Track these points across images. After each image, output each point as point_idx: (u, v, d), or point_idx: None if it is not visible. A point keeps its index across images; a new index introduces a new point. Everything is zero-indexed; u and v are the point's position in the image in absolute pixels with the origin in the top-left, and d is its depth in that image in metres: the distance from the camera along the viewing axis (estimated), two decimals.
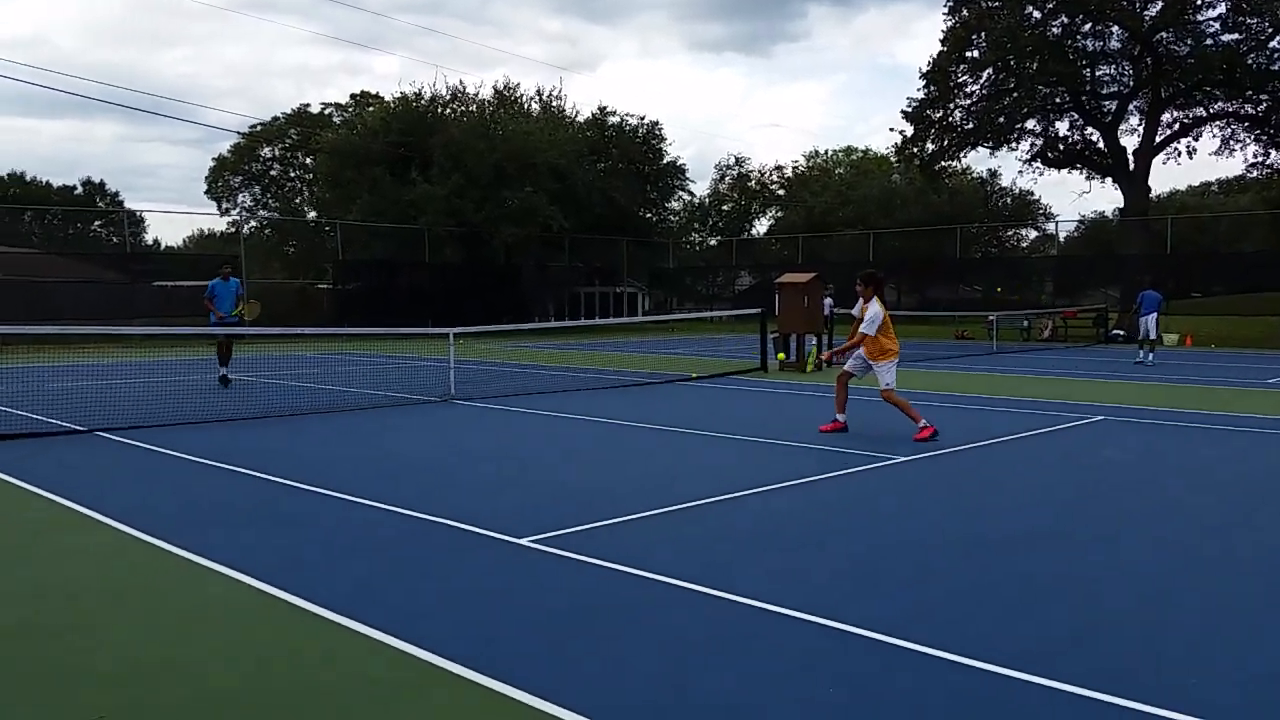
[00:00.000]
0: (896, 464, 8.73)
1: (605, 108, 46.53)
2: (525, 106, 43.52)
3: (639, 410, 12.56)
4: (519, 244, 37.41)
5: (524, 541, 5.98)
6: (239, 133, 55.96)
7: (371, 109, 44.68)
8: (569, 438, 10.55)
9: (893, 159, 45.36)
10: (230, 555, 5.64)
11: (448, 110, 40.38)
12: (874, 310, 10.43)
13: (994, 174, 56.11)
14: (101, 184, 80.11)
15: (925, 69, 36.83)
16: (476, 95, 41.57)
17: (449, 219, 36.32)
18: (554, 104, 44.42)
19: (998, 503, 7.32)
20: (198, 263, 43.97)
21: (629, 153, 45.52)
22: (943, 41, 36.69)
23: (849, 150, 69.61)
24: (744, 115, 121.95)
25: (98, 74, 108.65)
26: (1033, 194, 58.50)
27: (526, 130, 37.83)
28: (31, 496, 7.39)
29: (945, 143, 37.88)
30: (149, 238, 77.46)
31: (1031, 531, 6.36)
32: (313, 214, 52.79)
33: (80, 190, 77.12)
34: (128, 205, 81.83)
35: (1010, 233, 53.77)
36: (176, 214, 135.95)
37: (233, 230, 59.12)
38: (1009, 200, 55.12)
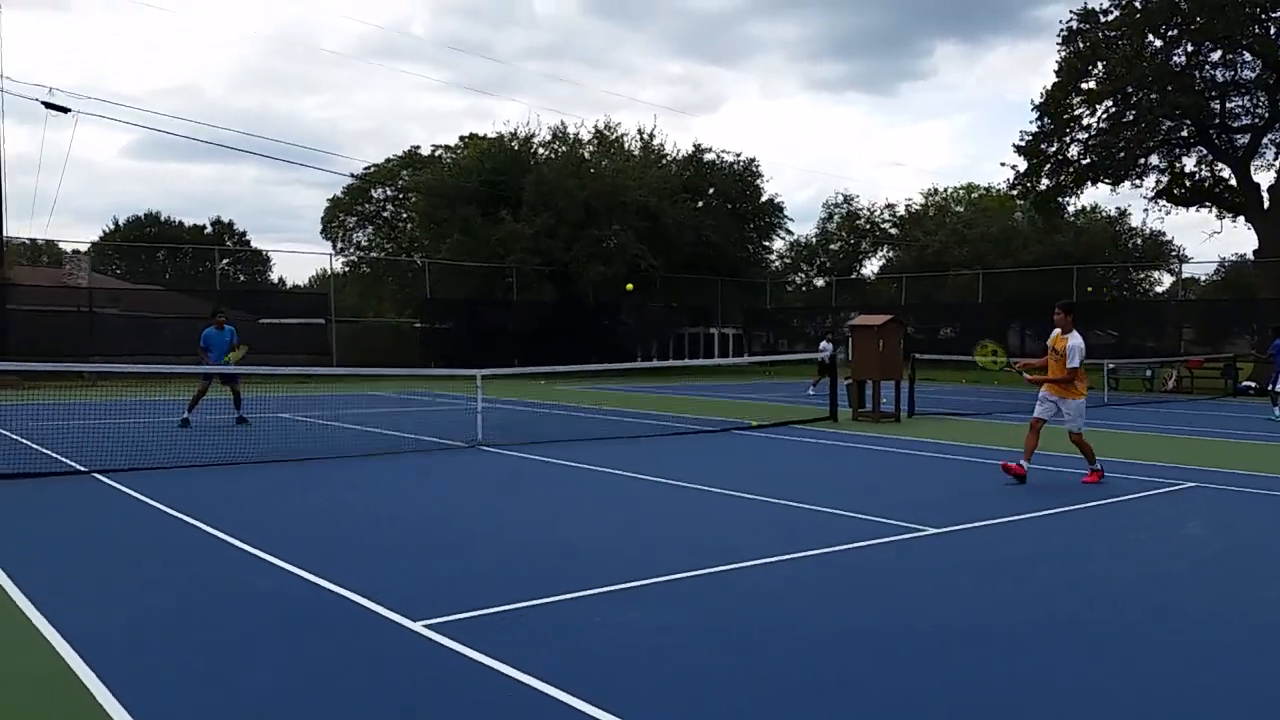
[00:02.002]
0: (920, 538, 7.47)
1: (700, 145, 45.79)
2: (625, 146, 43.19)
3: (669, 462, 11.52)
4: (606, 283, 36.79)
5: (415, 626, 5.05)
6: (352, 175, 57.28)
7: (467, 149, 45.01)
8: (566, 493, 9.60)
9: (1005, 193, 43.15)
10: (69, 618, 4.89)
11: (543, 150, 40.33)
12: (1075, 340, 10.03)
13: (1123, 213, 53.15)
14: (230, 224, 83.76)
15: (1038, 101, 34.88)
16: (575, 135, 41.46)
17: (536, 257, 36.02)
18: (654, 143, 44.02)
19: (994, 591, 6.02)
20: (303, 299, 45.04)
21: (724, 191, 44.61)
22: (1057, 72, 34.74)
23: (970, 188, 67.25)
24: (865, 154, 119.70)
25: (242, 119, 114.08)
26: (1164, 234, 54.96)
27: (617, 168, 37.37)
28: None
29: (1061, 178, 35.70)
30: (274, 276, 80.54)
31: (980, 629, 5.09)
32: (402, 253, 53.44)
33: (210, 230, 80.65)
34: (254, 245, 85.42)
35: (1142, 275, 50.70)
36: (284, 253, 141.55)
37: (345, 270, 60.74)
38: (1139, 241, 51.96)
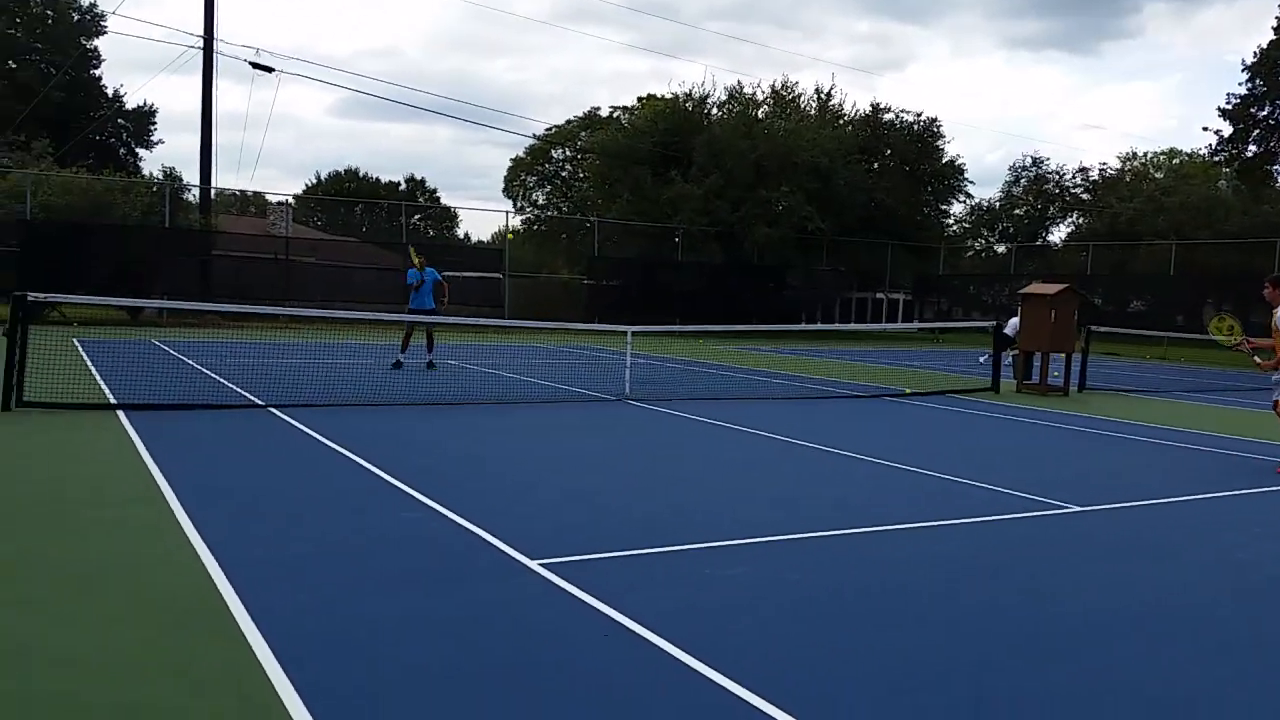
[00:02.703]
0: (1060, 515, 7.24)
1: (879, 104, 44.47)
2: (801, 106, 42.48)
3: (808, 424, 11.49)
4: (772, 245, 36.47)
5: (531, 563, 5.32)
6: (534, 135, 58.67)
7: (643, 110, 45.25)
8: (696, 449, 9.74)
9: (1204, 160, 40.11)
10: (220, 537, 5.41)
11: (718, 110, 40.17)
12: None
13: None
14: (423, 181, 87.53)
15: (1250, 60, 32.26)
16: (753, 95, 41.06)
17: (703, 218, 36.06)
18: (830, 102, 43.11)
19: (1119, 575, 5.77)
20: (481, 254, 46.70)
21: (902, 151, 43.26)
22: (1276, 29, 31.99)
23: (1172, 153, 62.88)
24: (1064, 116, 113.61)
25: (440, 81, 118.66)
26: None
27: (790, 129, 36.84)
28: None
29: (1271, 144, 32.99)
30: (460, 231, 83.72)
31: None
32: (576, 212, 54.29)
33: (404, 186, 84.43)
34: (444, 201, 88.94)
35: None
36: (469, 209, 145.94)
37: (523, 227, 62.43)
38: None
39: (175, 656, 3.95)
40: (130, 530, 5.87)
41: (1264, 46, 32.06)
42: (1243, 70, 32.60)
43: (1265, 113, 32.57)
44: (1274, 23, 32.00)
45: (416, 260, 16.45)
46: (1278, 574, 5.95)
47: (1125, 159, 60.63)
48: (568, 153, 62.36)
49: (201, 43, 31.15)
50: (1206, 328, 12.96)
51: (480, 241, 72.56)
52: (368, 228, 70.18)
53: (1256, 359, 10.62)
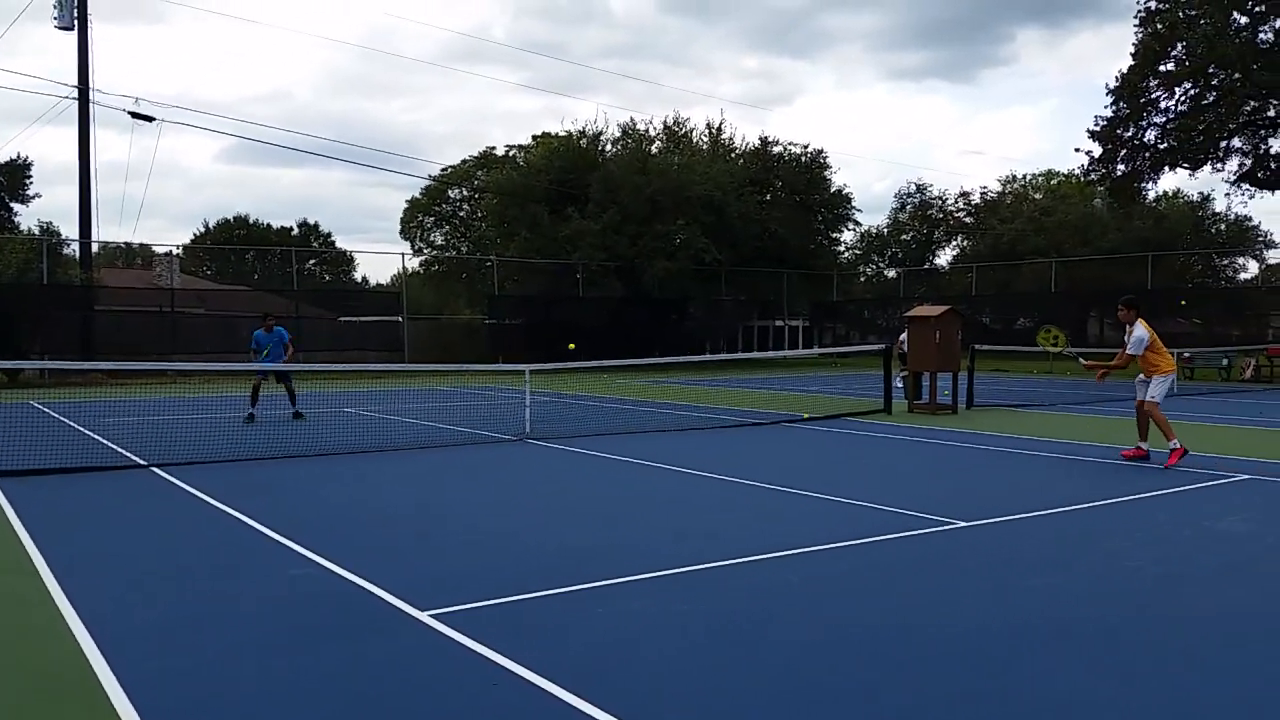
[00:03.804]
0: (947, 531, 7.43)
1: (766, 138, 45.44)
2: (694, 141, 43.15)
3: (707, 455, 11.58)
4: (671, 277, 36.87)
5: (420, 614, 5.23)
6: (430, 176, 58.15)
7: (537, 149, 45.43)
8: (595, 486, 9.74)
9: (1079, 180, 41.97)
10: (93, 606, 5.19)
11: (612, 147, 40.54)
12: (1139, 332, 10.89)
13: (1206, 198, 51.31)
14: (316, 225, 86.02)
15: (1113, 85, 33.92)
16: (645, 131, 41.57)
17: (602, 253, 36.28)
18: (721, 137, 43.90)
19: (1006, 588, 5.95)
20: (379, 297, 46.08)
21: (791, 183, 44.26)
22: (1133, 55, 33.72)
23: (1049, 174, 65.61)
24: (946, 143, 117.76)
25: (331, 124, 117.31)
26: (1250, 219, 52.96)
27: (682, 163, 37.40)
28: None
29: (1137, 163, 34.67)
30: (358, 275, 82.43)
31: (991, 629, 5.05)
32: (475, 252, 54.11)
33: (296, 231, 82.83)
34: (339, 245, 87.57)
35: (1226, 261, 48.91)
36: (363, 253, 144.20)
37: (421, 269, 61.81)
38: (1223, 226, 50.13)
39: None
40: None
41: (1124, 71, 33.75)
42: (1108, 94, 34.26)
43: (1130, 134, 34.21)
44: (1131, 48, 33.51)
45: (265, 324, 16.06)
46: (1162, 575, 6.20)
47: (1005, 182, 62.97)
48: (465, 192, 62.12)
49: (76, 92, 30.24)
50: (1037, 340, 13.98)
51: (379, 285, 71.57)
52: (260, 275, 68.63)
53: (1082, 361, 12.36)
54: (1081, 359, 12.29)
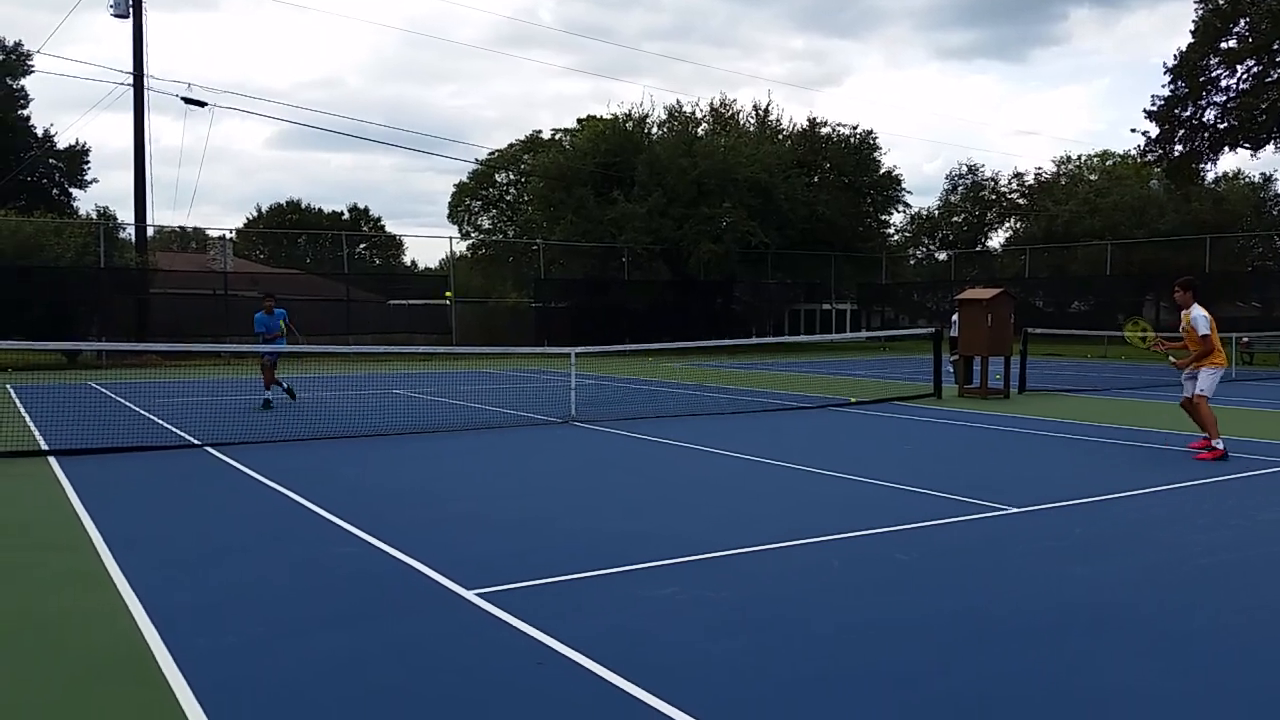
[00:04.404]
0: (997, 518, 7.34)
1: (816, 119, 44.99)
2: (740, 123, 42.89)
3: (752, 438, 11.54)
4: (717, 260, 36.74)
5: (467, 593, 5.28)
6: (478, 160, 58.41)
7: (583, 132, 45.40)
8: (639, 468, 9.75)
9: (1135, 161, 41.09)
10: (147, 583, 5.30)
11: (658, 130, 40.42)
12: (1197, 311, 10.32)
13: (1268, 178, 49.94)
14: (366, 210, 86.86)
15: (1171, 63, 33.15)
16: (692, 114, 41.37)
17: (648, 237, 36.24)
18: (769, 118, 43.59)
19: (1054, 575, 5.85)
20: (427, 281, 46.48)
21: (839, 165, 43.82)
22: (1193, 32, 32.92)
23: (1105, 155, 64.25)
24: (997, 124, 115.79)
25: (381, 109, 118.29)
26: None
27: (729, 146, 37.18)
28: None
29: (1196, 143, 33.87)
30: (407, 259, 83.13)
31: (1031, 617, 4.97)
32: (521, 235, 54.28)
33: (346, 216, 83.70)
34: (388, 229, 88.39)
35: None
36: (412, 237, 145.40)
37: (469, 252, 62.13)
38: None
39: (95, 708, 3.87)
40: (54, 579, 5.74)
41: (1183, 49, 32.96)
42: (1165, 73, 33.52)
43: (1188, 113, 33.45)
44: (1191, 26, 32.68)
45: (265, 306, 15.59)
46: (1210, 565, 6.07)
47: (1060, 163, 61.80)
48: (511, 176, 62.30)
49: (132, 79, 30.75)
50: (1124, 333, 13.56)
51: (426, 268, 72.16)
52: (311, 259, 69.46)
53: (1171, 358, 11.27)
54: (1171, 358, 11.30)
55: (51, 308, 26.84)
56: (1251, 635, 4.77)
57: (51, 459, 9.93)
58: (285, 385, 15.76)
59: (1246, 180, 51.41)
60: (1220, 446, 10.10)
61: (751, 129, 43.19)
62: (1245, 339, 27.73)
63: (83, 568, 5.90)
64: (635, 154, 38.02)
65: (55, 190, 48.27)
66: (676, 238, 36.38)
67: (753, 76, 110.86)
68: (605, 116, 43.89)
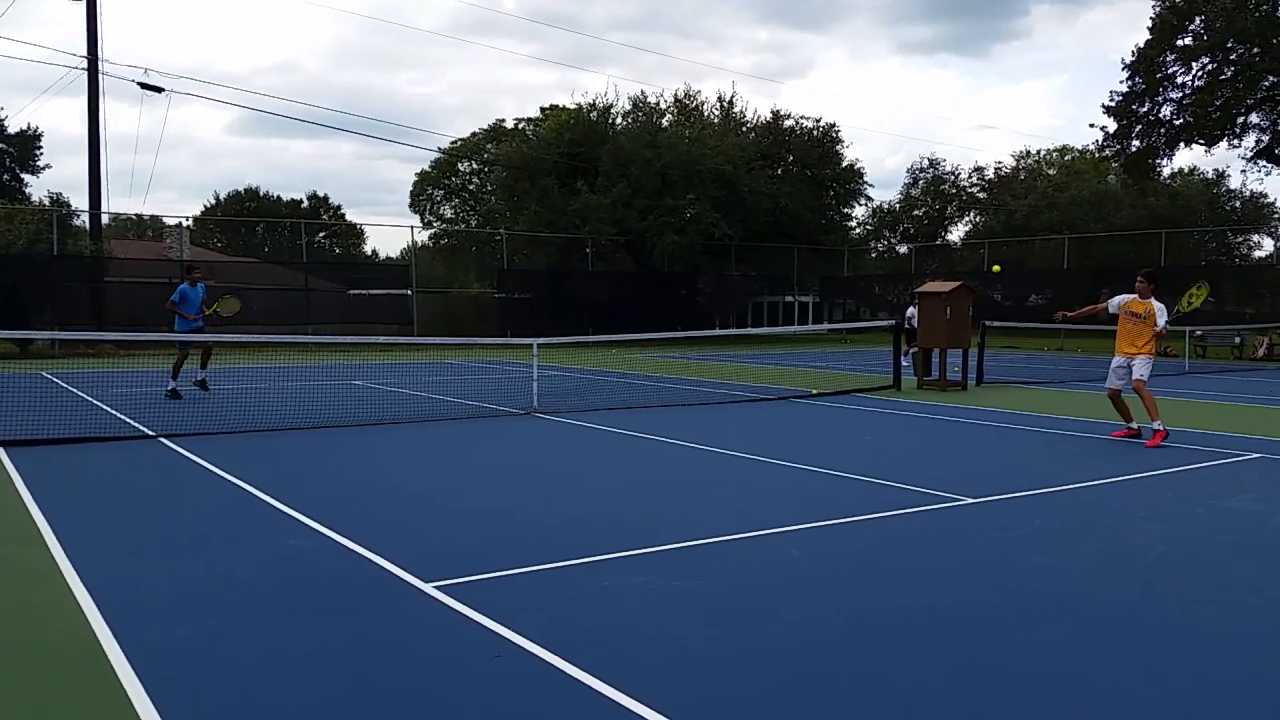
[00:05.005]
0: (953, 509, 7.40)
1: (778, 111, 45.13)
2: (705, 114, 42.90)
3: (713, 429, 11.56)
4: (680, 252, 36.77)
5: (424, 586, 5.23)
6: (439, 149, 58.10)
7: (547, 122, 45.22)
8: (600, 459, 9.73)
9: (1093, 156, 41.64)
10: (97, 575, 5.20)
11: (622, 120, 40.32)
12: (1158, 304, 10.85)
13: (1221, 175, 50.85)
14: (325, 198, 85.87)
15: (1129, 60, 33.59)
16: (656, 104, 41.29)
17: (611, 228, 36.18)
18: (733, 110, 43.65)
19: (1011, 565, 5.92)
20: (388, 271, 46.08)
21: (802, 157, 43.99)
22: (1151, 29, 33.36)
23: (1064, 150, 65.04)
24: (958, 118, 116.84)
25: (341, 95, 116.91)
26: (1265, 195, 52.68)
27: (693, 137, 37.18)
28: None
29: (1152, 139, 34.37)
30: (368, 248, 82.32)
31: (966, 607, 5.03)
32: (484, 225, 53.99)
33: (306, 204, 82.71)
34: (349, 218, 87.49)
35: (1240, 239, 48.52)
36: (372, 226, 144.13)
37: (431, 242, 61.66)
38: (1238, 203, 49.69)
39: (43, 703, 3.78)
40: (1, 572, 5.62)
41: (1141, 46, 33.40)
42: (1123, 69, 33.94)
43: (1145, 109, 33.91)
44: (1149, 22, 33.13)
45: (191, 279, 15.13)
46: (1169, 554, 6.16)
47: (1019, 157, 62.58)
48: (474, 165, 61.94)
49: (86, 63, 30.16)
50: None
51: (388, 258, 71.60)
52: (270, 247, 68.64)
53: (1063, 314, 12.91)
54: (1063, 314, 13.07)
55: (3, 295, 26.27)
56: (1206, 622, 4.84)
57: (0, 450, 9.72)
58: (204, 375, 15.16)
59: (1201, 176, 52.34)
60: (1163, 428, 10.65)
61: (716, 121, 43.23)
62: (1199, 332, 28.20)
63: (32, 560, 5.78)
64: (599, 144, 37.91)
65: (6, 176, 47.25)
66: (640, 229, 36.35)
67: (717, 68, 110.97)
68: (570, 106, 43.80)
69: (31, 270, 27.94)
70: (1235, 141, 34.21)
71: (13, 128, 46.15)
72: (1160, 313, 10.77)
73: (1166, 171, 41.13)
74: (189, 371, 15.08)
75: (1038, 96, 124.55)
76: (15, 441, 10.10)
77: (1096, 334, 29.49)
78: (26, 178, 48.30)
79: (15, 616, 4.83)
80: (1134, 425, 11.12)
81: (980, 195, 57.97)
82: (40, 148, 48.29)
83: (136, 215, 59.95)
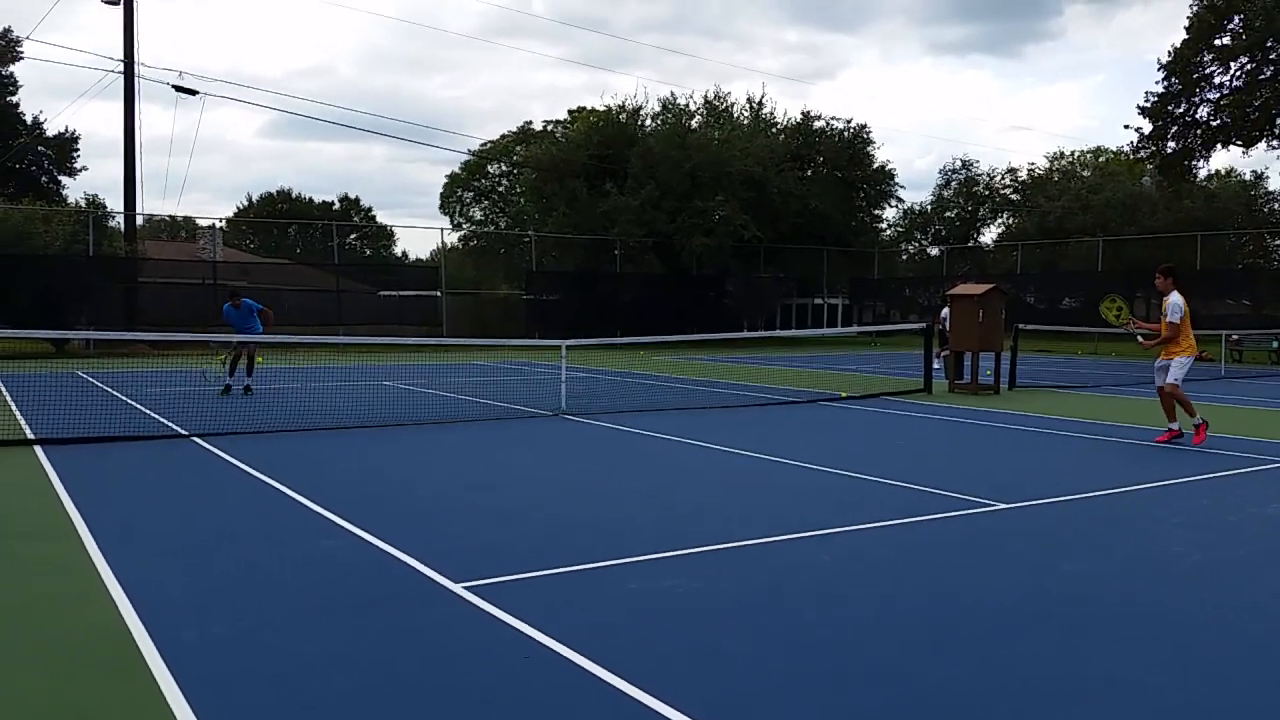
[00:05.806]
0: (985, 514, 7.32)
1: (809, 113, 44.92)
2: (734, 116, 42.81)
3: (741, 432, 11.51)
4: (709, 254, 36.70)
5: (454, 586, 5.24)
6: (469, 151, 58.36)
7: (575, 124, 45.30)
8: (627, 461, 9.72)
9: (1128, 158, 41.16)
10: (132, 574, 5.25)
11: (651, 122, 40.32)
12: (1174, 299, 10.68)
13: (1259, 176, 50.06)
14: (357, 200, 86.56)
15: (1165, 60, 33.18)
16: (686, 106, 41.24)
17: (640, 229, 36.18)
18: (762, 111, 43.53)
19: (1044, 572, 5.84)
20: (418, 272, 46.36)
21: (833, 159, 43.77)
22: (1188, 29, 32.95)
23: (1098, 151, 64.30)
24: (991, 119, 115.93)
25: (373, 98, 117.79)
26: None
27: (722, 139, 37.09)
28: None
29: (1188, 140, 33.93)
30: (398, 249, 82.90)
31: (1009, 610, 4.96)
32: (513, 227, 54.13)
33: (337, 206, 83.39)
34: (379, 220, 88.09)
35: (1279, 242, 47.75)
36: (403, 228, 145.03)
37: (460, 244, 61.92)
38: (1277, 206, 48.91)
39: (77, 699, 3.82)
40: (37, 569, 5.69)
41: (1177, 46, 33.00)
42: (1159, 69, 33.54)
43: (1181, 110, 33.50)
44: (1186, 22, 32.70)
45: (234, 302, 15.87)
46: (1205, 561, 6.07)
47: (1053, 159, 61.96)
48: (503, 167, 62.15)
49: (123, 67, 30.54)
50: (1100, 309, 13.99)
51: (418, 259, 71.95)
52: (302, 249, 69.21)
53: (1140, 338, 12.07)
54: (1141, 338, 12.04)
55: (39, 296, 26.62)
56: (1238, 629, 4.75)
57: (38, 448, 9.85)
58: (229, 381, 15.61)
59: (1238, 178, 51.58)
60: (1202, 420, 10.75)
61: (745, 122, 43.11)
62: (1235, 336, 27.80)
63: (67, 558, 5.85)
64: (628, 146, 37.92)
65: (44, 178, 48.00)
66: (669, 231, 36.31)
67: (747, 70, 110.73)
68: (598, 108, 43.84)
69: (68, 271, 28.31)
70: (1275, 142, 33.68)
71: (51, 131, 46.87)
72: (1172, 309, 10.71)
73: (1203, 173, 40.62)
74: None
75: (1072, 97, 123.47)
76: (52, 440, 10.24)
77: (1131, 338, 29.05)
78: (64, 180, 49.08)
79: (50, 613, 4.88)
80: (1175, 425, 11.00)
81: (1013, 197, 57.43)
82: (77, 150, 49.05)
83: (170, 217, 60.66)
